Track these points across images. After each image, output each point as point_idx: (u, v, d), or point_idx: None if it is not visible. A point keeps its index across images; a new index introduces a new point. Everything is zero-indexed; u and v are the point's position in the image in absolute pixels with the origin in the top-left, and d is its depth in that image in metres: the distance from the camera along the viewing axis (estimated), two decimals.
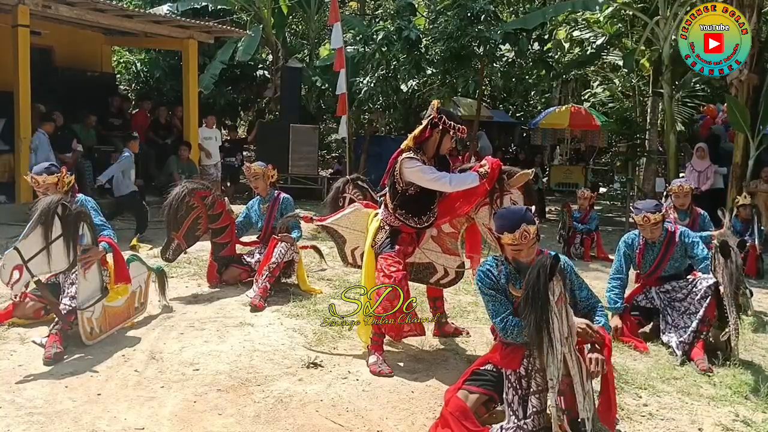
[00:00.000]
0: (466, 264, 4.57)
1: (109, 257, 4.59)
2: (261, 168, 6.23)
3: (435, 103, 4.28)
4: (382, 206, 4.46)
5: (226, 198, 6.17)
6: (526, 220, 3.29)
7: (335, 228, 4.72)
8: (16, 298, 4.39)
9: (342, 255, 4.83)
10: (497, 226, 3.38)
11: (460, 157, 12.05)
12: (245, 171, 6.41)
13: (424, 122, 4.22)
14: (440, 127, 4.14)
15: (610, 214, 14.07)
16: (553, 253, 3.05)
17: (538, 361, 3.11)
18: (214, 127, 12.55)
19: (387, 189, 4.38)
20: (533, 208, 3.57)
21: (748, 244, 6.52)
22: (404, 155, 4.18)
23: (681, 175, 11.28)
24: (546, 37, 14.94)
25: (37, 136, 9.32)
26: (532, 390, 3.20)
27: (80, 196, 4.76)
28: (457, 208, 4.29)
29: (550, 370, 2.92)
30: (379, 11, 15.66)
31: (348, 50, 12.49)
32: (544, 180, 15.83)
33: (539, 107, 21.00)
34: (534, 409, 3.17)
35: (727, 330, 4.51)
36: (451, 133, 4.19)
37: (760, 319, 5.70)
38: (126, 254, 4.86)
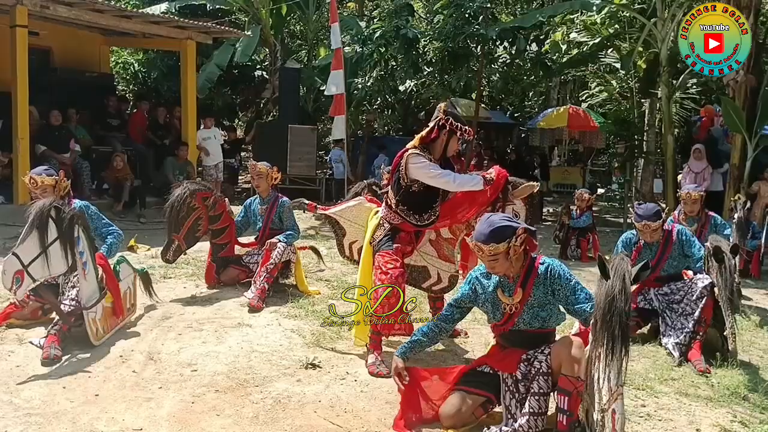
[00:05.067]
0: (460, 274, 4.58)
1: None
2: (267, 167, 6.26)
3: (442, 105, 4.30)
4: (384, 204, 4.48)
5: (226, 199, 6.17)
6: (487, 238, 3.15)
7: (337, 219, 4.75)
8: (20, 302, 4.42)
9: (340, 247, 4.86)
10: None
11: (462, 158, 12.09)
12: (250, 168, 6.42)
13: (431, 123, 4.24)
14: (447, 128, 4.16)
15: (608, 216, 14.07)
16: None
17: (591, 368, 2.86)
18: (213, 126, 12.59)
19: (390, 186, 4.39)
20: (522, 225, 3.32)
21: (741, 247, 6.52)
22: (411, 151, 4.20)
23: (678, 176, 11.28)
24: (542, 38, 14.95)
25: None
26: (532, 391, 3.19)
27: (78, 202, 4.76)
28: (458, 213, 4.31)
29: (613, 376, 2.71)
30: (377, 11, 15.66)
31: (346, 51, 12.50)
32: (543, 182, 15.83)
33: (536, 108, 21.01)
34: (531, 410, 3.15)
35: (726, 330, 4.51)
36: (458, 134, 4.20)
37: (756, 320, 5.71)
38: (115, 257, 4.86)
